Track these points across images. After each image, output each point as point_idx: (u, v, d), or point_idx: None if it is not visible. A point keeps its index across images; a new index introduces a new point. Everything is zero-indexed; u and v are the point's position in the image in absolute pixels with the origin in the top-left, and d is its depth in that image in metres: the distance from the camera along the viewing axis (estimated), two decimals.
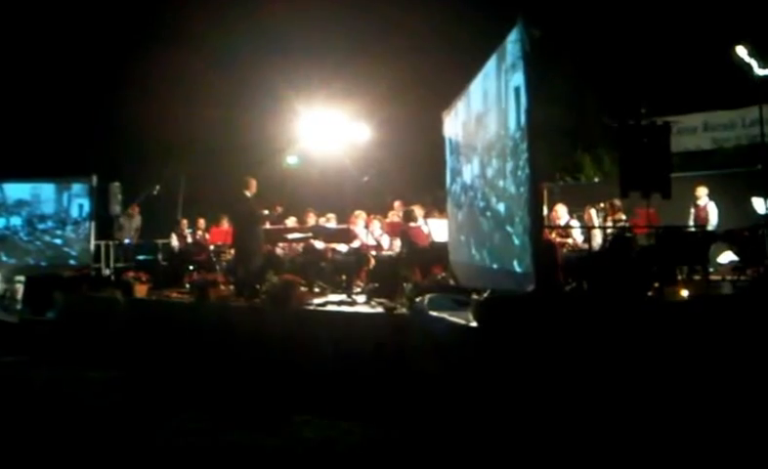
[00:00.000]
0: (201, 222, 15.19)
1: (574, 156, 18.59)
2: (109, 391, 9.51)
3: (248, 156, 18.79)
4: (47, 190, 16.89)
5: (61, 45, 20.70)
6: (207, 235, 14.70)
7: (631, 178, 8.35)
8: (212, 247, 14.08)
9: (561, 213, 10.65)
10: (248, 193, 11.38)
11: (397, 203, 12.74)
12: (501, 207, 7.90)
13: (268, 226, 12.84)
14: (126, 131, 20.45)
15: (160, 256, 15.51)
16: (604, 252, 8.95)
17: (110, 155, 19.39)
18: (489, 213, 8.45)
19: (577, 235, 10.37)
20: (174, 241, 15.21)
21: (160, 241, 15.91)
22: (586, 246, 9.90)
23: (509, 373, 6.20)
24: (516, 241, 7.34)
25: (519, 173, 7.22)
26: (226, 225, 14.13)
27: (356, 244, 12.13)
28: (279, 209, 11.97)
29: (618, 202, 10.50)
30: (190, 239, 14.95)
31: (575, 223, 10.66)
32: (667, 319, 6.66)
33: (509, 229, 7.56)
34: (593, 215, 10.93)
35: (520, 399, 6.08)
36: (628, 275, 7.49)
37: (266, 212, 11.55)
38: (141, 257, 15.27)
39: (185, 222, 15.56)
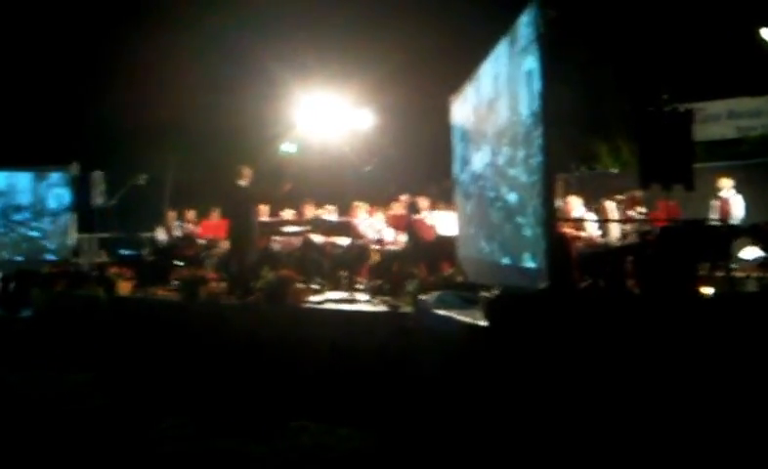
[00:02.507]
0: (191, 214, 15.20)
1: (590, 145, 18.63)
2: (90, 394, 9.53)
3: (242, 143, 18.84)
4: (23, 179, 16.92)
5: (38, 24, 20.70)
6: (197, 229, 14.74)
7: (651, 169, 8.41)
8: (202, 241, 14.11)
9: (574, 205, 10.71)
10: (242, 183, 11.45)
11: (404, 196, 12.80)
12: (513, 197, 8.00)
13: (266, 218, 12.90)
14: (110, 116, 20.44)
15: (146, 251, 15.58)
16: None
17: (92, 142, 19.43)
18: (499, 203, 8.55)
19: (593, 229, 10.42)
20: (161, 235, 15.22)
21: (146, 235, 15.98)
22: (603, 241, 9.97)
23: (520, 377, 6.24)
24: (528, 233, 7.44)
25: (531, 161, 7.32)
26: (217, 218, 14.19)
27: (358, 240, 12.15)
28: (289, 186, 12.04)
29: (637, 194, 10.56)
30: (178, 233, 14.99)
31: (591, 216, 10.70)
32: (695, 317, 6.65)
33: (521, 220, 7.66)
34: (611, 208, 10.97)
35: (532, 404, 6.13)
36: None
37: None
38: (125, 252, 15.33)
39: (172, 214, 15.60)
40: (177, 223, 15.20)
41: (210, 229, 14.22)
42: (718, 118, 15.53)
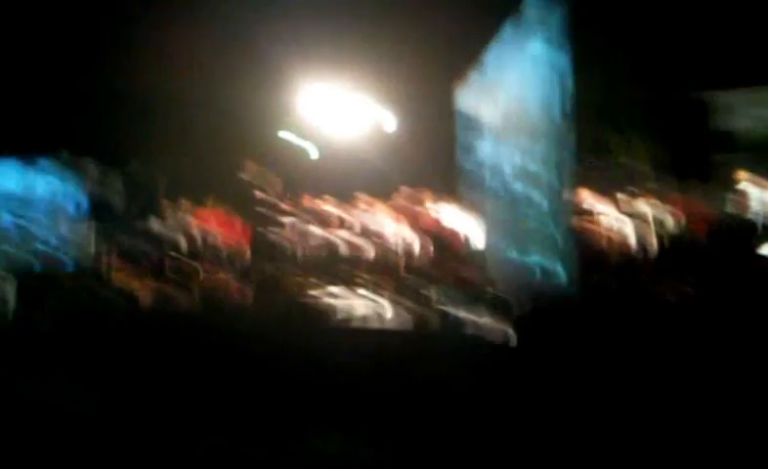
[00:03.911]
0: (185, 205, 15.20)
1: (601, 136, 18.61)
2: (107, 408, 9.52)
3: (238, 132, 18.80)
4: (36, 177, 16.83)
5: (27, 11, 20.64)
6: (193, 220, 14.74)
7: (668, 161, 8.40)
8: (197, 231, 14.12)
9: (590, 201, 10.70)
10: (246, 178, 11.40)
11: (404, 189, 12.78)
12: (533, 195, 7.97)
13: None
14: (99, 104, 20.37)
15: (141, 243, 15.54)
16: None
17: (82, 132, 19.33)
18: (517, 202, 8.52)
19: (612, 225, 10.40)
20: (155, 226, 15.21)
21: (142, 227, 15.95)
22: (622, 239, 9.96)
23: (551, 391, 6.20)
24: (551, 233, 7.40)
25: (545, 154, 7.30)
26: (212, 207, 14.23)
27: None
28: (278, 184, 12.01)
29: (652, 188, 10.54)
30: (174, 225, 14.99)
31: (610, 211, 10.67)
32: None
33: (543, 219, 7.63)
34: (625, 202, 10.96)
35: (564, 422, 6.11)
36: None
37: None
38: (125, 246, 15.32)
39: (167, 204, 15.60)
40: (171, 213, 15.24)
41: (208, 219, 14.26)
42: (737, 108, 15.44)
